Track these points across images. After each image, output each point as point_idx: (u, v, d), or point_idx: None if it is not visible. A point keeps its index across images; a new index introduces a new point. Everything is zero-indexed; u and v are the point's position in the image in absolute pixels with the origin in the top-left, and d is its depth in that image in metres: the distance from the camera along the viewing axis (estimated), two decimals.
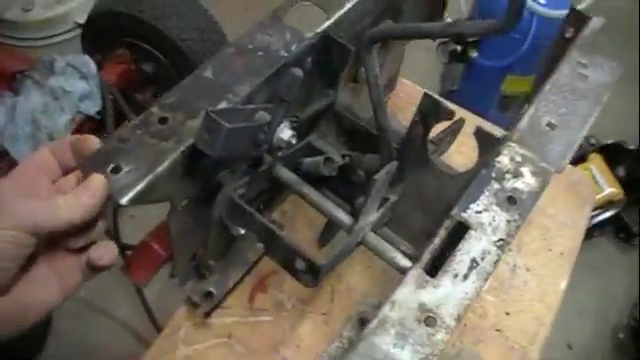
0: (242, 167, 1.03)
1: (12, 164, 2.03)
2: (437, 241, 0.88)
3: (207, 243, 1.10)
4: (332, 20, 1.10)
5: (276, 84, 1.01)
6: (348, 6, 1.13)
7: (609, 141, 2.97)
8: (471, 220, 0.90)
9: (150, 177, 0.88)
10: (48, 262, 0.85)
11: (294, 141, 1.02)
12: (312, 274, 0.96)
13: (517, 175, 0.97)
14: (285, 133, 1.01)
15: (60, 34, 3.18)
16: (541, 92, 1.10)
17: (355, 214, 1.04)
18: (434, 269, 0.86)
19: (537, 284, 1.36)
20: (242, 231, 1.04)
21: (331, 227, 1.21)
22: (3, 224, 0.75)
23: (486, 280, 0.85)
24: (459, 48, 2.49)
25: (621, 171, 2.93)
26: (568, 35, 1.26)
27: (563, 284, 1.37)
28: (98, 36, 2.53)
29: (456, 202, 0.93)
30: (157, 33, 2.37)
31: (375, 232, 1.08)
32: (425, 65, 3.08)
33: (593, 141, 2.99)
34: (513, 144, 1.00)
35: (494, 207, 0.92)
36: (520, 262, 1.38)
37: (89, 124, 2.20)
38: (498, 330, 1.28)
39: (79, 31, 2.73)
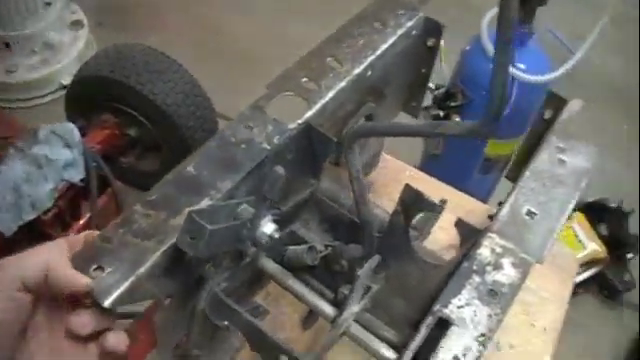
0: (226, 261, 1.03)
1: None
2: (418, 339, 0.89)
3: (190, 334, 1.09)
4: (314, 110, 1.12)
5: (258, 177, 1.02)
6: (330, 95, 1.14)
7: (591, 199, 2.99)
8: (453, 316, 0.91)
9: (132, 278, 0.88)
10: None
11: (277, 235, 1.02)
12: None
13: (498, 267, 0.98)
14: (268, 227, 1.02)
15: (45, 95, 3.19)
16: (521, 179, 1.11)
17: (338, 303, 1.05)
18: None
19: None
20: (226, 322, 1.04)
21: (315, 316, 1.21)
22: None
23: None
24: (442, 113, 2.51)
25: (604, 229, 2.95)
26: (547, 116, 1.29)
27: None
28: (82, 101, 2.54)
29: (438, 291, 0.94)
30: (142, 98, 2.38)
31: (357, 319, 1.09)
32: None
33: None
34: (493, 235, 1.02)
35: (475, 301, 0.93)
36: (503, 339, 1.38)
37: (73, 192, 2.20)
38: None
39: (64, 92, 2.74)
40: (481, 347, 0.89)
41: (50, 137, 2.18)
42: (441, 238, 1.37)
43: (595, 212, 2.96)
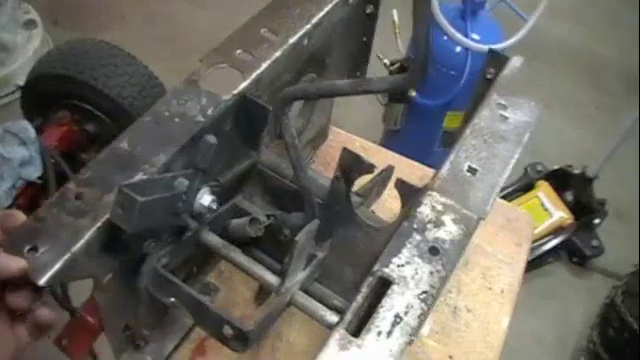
0: (165, 236, 1.02)
1: None
2: (359, 299, 0.88)
3: (137, 314, 1.08)
4: (249, 81, 1.10)
5: (194, 150, 1.00)
6: (264, 66, 1.13)
7: (555, 167, 3.00)
8: (393, 274, 0.90)
9: (67, 256, 0.87)
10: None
11: (215, 206, 1.01)
12: (241, 340, 0.95)
13: (439, 224, 0.97)
14: (205, 199, 1.00)
15: (1, 97, 3.15)
16: (461, 137, 1.11)
17: (284, 274, 1.04)
18: (360, 327, 0.86)
19: (479, 324, 1.36)
20: (172, 299, 1.03)
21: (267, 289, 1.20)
22: None
23: (410, 335, 0.85)
24: None
25: (569, 196, 2.96)
26: (489, 76, 1.28)
27: (505, 322, 1.37)
28: (38, 99, 2.51)
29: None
30: (97, 93, 2.35)
31: (307, 289, 1.08)
32: (368, 107, 3.11)
33: (540, 168, 3.03)
34: (434, 193, 1.01)
35: (416, 259, 0.92)
36: (461, 304, 1.38)
37: (31, 190, 2.17)
38: None
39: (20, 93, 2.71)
40: (423, 304, 0.88)
41: (4, 136, 2.15)
42: (396, 207, 1.36)
43: (560, 180, 2.97)
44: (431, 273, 0.91)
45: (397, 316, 0.86)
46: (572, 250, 2.99)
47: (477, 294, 1.40)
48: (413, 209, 0.98)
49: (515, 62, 1.25)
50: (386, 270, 0.90)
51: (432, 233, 0.96)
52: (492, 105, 1.16)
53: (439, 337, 1.33)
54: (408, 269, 0.91)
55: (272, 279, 1.03)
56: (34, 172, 2.16)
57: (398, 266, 0.91)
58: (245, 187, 1.18)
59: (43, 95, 2.47)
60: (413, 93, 2.50)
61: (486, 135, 1.11)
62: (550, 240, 2.89)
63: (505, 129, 1.13)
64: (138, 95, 2.41)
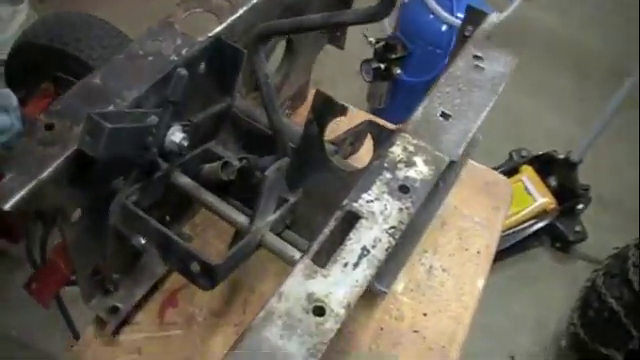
0: (135, 173, 1.01)
1: None
2: (326, 231, 0.87)
3: (106, 254, 1.07)
4: (224, 25, 1.10)
5: (166, 89, 1.00)
6: (240, 12, 1.13)
7: (539, 152, 3.01)
8: (362, 209, 0.89)
9: (34, 183, 0.87)
10: None
11: (186, 144, 1.01)
12: (208, 276, 0.94)
13: (410, 164, 0.96)
14: (176, 136, 1.00)
15: None
16: (436, 84, 1.10)
17: (254, 212, 1.03)
18: (326, 260, 0.85)
19: (454, 284, 1.35)
20: (142, 241, 1.02)
21: (240, 237, 1.20)
22: None
23: (377, 267, 0.84)
24: (382, 66, 2.51)
25: (553, 181, 2.96)
26: (467, 33, 1.28)
27: (480, 283, 1.37)
28: (21, 70, 2.49)
29: None
30: (81, 65, 2.34)
31: (279, 235, 1.07)
32: (353, 87, 3.10)
33: (524, 153, 3.03)
34: (406, 135, 1.00)
35: (386, 196, 0.92)
36: (436, 263, 1.38)
37: None
38: (416, 331, 1.28)
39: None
40: (391, 239, 0.87)
41: None
42: None
43: (544, 165, 2.98)
44: (400, 210, 0.91)
45: (364, 249, 0.85)
46: (555, 235, 2.99)
47: (453, 254, 1.40)
48: (385, 149, 0.98)
49: (493, 18, 1.25)
50: (355, 205, 0.90)
51: (403, 172, 0.95)
52: (468, 56, 1.16)
53: (413, 295, 1.32)
54: (377, 205, 0.90)
55: (243, 219, 1.03)
56: (15, 140, 2.14)
57: (367, 202, 0.91)
58: (219, 133, 1.17)
59: (27, 66, 2.46)
60: (398, 71, 2.50)
61: (461, 84, 1.10)
62: (533, 225, 2.90)
63: (480, 79, 1.12)
64: None
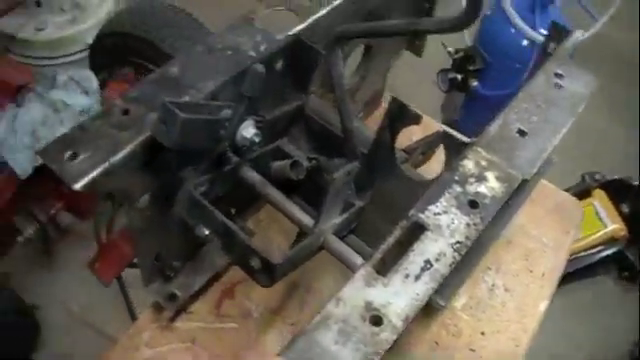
0: (205, 164, 1.02)
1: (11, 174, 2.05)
2: (391, 240, 0.86)
3: (170, 242, 1.08)
4: (305, 25, 1.10)
5: (242, 83, 1.00)
6: (322, 12, 1.12)
7: (613, 177, 2.92)
8: (428, 221, 0.88)
9: (106, 165, 0.88)
10: None
11: (257, 139, 1.01)
12: (267, 273, 0.94)
13: (481, 180, 0.95)
14: (248, 131, 1.00)
15: (71, 54, 3.21)
16: (514, 100, 1.08)
17: (319, 214, 1.03)
18: (388, 269, 0.84)
19: (516, 305, 1.32)
20: (206, 231, 1.03)
21: (303, 236, 1.19)
22: None
23: (439, 282, 0.83)
24: (459, 77, 2.48)
25: (625, 207, 2.87)
26: (550, 50, 1.25)
27: (543, 306, 1.33)
28: (105, 55, 2.55)
29: None
30: (162, 54, 2.38)
31: (342, 239, 1.07)
32: (428, 96, 3.08)
33: (598, 177, 2.94)
34: (480, 149, 0.99)
35: (454, 210, 0.90)
36: (499, 282, 1.35)
37: None
38: (472, 350, 1.25)
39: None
40: (456, 254, 0.86)
41: (68, 83, 2.19)
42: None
43: (617, 190, 2.89)
44: (468, 225, 0.89)
45: (427, 262, 0.84)
46: (623, 264, 2.90)
47: (517, 275, 1.37)
48: (457, 162, 0.96)
49: (577, 35, 1.22)
50: (421, 216, 0.88)
51: (473, 187, 0.93)
52: (548, 73, 1.13)
53: (473, 312, 1.30)
54: (444, 218, 0.89)
55: (307, 220, 1.03)
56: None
57: (434, 214, 0.89)
58: (291, 131, 1.17)
59: (110, 51, 2.52)
60: (474, 83, 2.47)
61: (539, 100, 1.08)
62: (601, 251, 2.81)
63: (559, 97, 1.10)
64: None
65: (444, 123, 2.77)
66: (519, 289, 1.35)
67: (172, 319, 1.19)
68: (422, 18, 0.92)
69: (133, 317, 2.16)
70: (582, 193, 2.90)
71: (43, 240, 2.27)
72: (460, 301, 1.31)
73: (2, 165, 2.10)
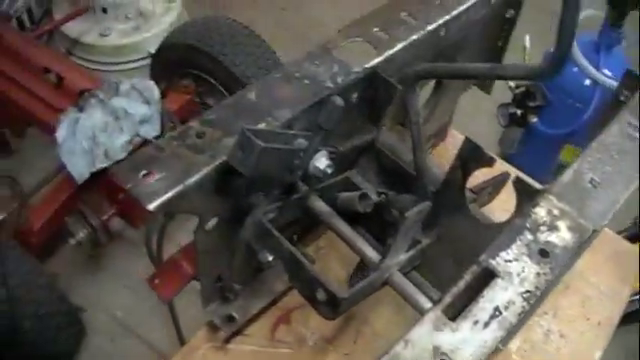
0: (275, 192, 1.03)
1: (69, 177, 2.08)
2: (461, 285, 0.86)
3: (233, 265, 1.09)
4: (381, 58, 1.11)
5: (318, 113, 1.01)
6: (399, 46, 1.13)
7: None
8: (499, 268, 0.88)
9: (180, 187, 0.89)
10: None
11: (330, 171, 1.01)
12: (332, 306, 0.94)
13: (552, 228, 0.94)
14: (321, 162, 1.01)
15: (132, 61, 3.25)
16: (587, 149, 1.07)
17: (385, 254, 1.02)
18: (456, 314, 0.84)
19: (570, 352, 1.30)
20: (269, 257, 1.04)
21: (362, 268, 1.19)
22: None
23: (508, 331, 0.82)
24: (519, 112, 2.46)
25: None
26: (622, 98, 1.24)
27: (598, 355, 1.31)
28: (166, 65, 2.59)
29: None
30: (223, 68, 2.41)
31: (404, 275, 1.06)
32: (485, 128, 3.06)
33: None
34: (552, 197, 0.98)
35: (524, 258, 0.89)
36: (554, 327, 1.33)
37: None
38: None
39: (149, 61, 2.81)
40: (525, 304, 0.85)
41: (130, 91, 2.22)
42: (502, 218, 1.32)
43: None
44: (538, 274, 0.88)
45: (497, 309, 0.83)
46: None
47: (573, 321, 1.35)
48: (529, 208, 0.95)
49: None
50: (492, 262, 0.88)
51: (544, 236, 0.93)
52: (622, 123, 1.12)
53: (526, 355, 1.28)
54: (515, 265, 0.88)
55: (372, 254, 1.03)
56: (152, 131, 2.21)
57: (505, 261, 0.89)
58: (360, 163, 1.17)
59: (172, 62, 2.55)
60: (534, 119, 2.45)
61: (613, 151, 1.07)
62: None
63: (633, 148, 1.08)
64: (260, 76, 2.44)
65: (500, 157, 2.77)
66: (574, 336, 1.33)
67: (227, 340, 1.20)
68: (505, 65, 0.92)
69: (177, 326, 2.17)
70: (634, 237, 2.84)
71: (93, 244, 2.29)
72: (515, 343, 1.29)
73: (60, 167, 2.14)
